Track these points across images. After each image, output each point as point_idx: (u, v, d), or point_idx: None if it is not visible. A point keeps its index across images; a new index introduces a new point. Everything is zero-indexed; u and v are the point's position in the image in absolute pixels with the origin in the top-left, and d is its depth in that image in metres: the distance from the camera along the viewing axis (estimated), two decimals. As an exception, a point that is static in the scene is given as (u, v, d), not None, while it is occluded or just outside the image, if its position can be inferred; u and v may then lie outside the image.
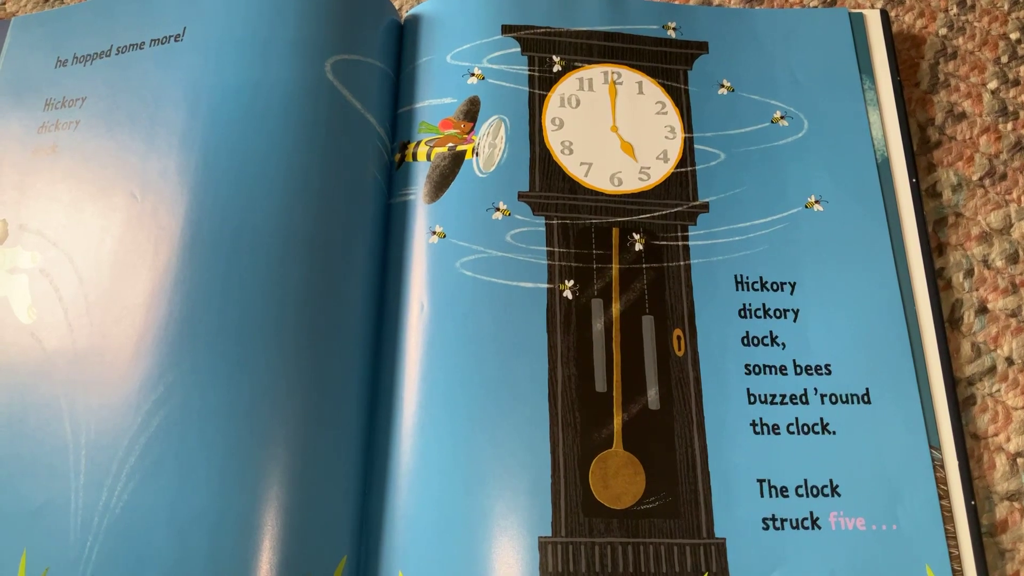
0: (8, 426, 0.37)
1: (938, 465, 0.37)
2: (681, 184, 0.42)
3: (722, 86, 0.44)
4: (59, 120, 0.43)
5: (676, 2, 0.48)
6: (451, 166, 0.41)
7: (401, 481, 0.36)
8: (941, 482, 0.37)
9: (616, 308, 0.39)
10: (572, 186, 0.41)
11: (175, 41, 0.43)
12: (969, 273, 0.41)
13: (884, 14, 0.46)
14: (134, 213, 0.40)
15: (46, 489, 0.36)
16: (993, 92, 0.45)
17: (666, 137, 0.42)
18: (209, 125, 0.40)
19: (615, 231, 0.40)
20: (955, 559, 0.35)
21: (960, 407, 0.39)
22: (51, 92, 0.44)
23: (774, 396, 0.38)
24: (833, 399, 0.38)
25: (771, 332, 0.39)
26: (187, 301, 0.37)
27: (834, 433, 0.37)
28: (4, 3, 0.52)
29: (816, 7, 0.48)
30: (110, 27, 0.45)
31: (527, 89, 0.43)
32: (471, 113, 0.42)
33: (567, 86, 0.43)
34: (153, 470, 0.35)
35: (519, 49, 0.43)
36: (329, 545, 0.35)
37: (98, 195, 0.41)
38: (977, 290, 0.41)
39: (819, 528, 0.36)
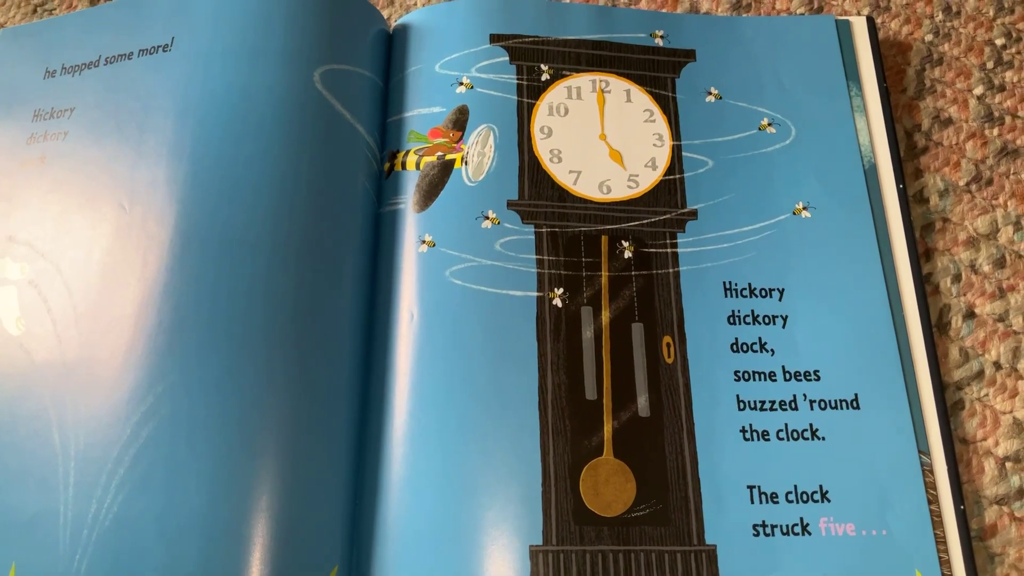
0: (-3, 438, 0.37)
1: (927, 470, 0.37)
2: (670, 191, 0.42)
3: (710, 94, 0.44)
4: (48, 131, 0.43)
5: (663, 10, 0.48)
6: (440, 175, 0.41)
7: (392, 490, 0.36)
8: (930, 487, 0.37)
9: (606, 316, 0.39)
10: (561, 194, 0.41)
11: (164, 51, 0.43)
12: (957, 278, 0.42)
13: (870, 21, 0.46)
14: (123, 223, 0.40)
15: (35, 501, 0.35)
16: (979, 98, 0.45)
17: (654, 145, 0.43)
18: (198, 135, 0.40)
19: (604, 239, 0.41)
20: (945, 564, 0.35)
21: (949, 412, 0.39)
22: (40, 103, 0.44)
23: (763, 402, 0.38)
24: (822, 405, 0.38)
25: (760, 338, 0.39)
26: (176, 311, 0.37)
27: (823, 439, 0.38)
28: (-8, 14, 0.52)
29: (803, 14, 0.48)
30: (98, 38, 0.45)
31: (515, 98, 0.43)
32: (460, 122, 0.42)
33: (555, 95, 0.43)
34: (142, 481, 0.35)
35: (507, 58, 0.43)
36: (320, 555, 0.35)
37: (87, 206, 0.41)
38: (965, 295, 0.41)
39: (809, 534, 0.36)
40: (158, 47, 0.43)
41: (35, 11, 0.52)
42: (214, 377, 0.36)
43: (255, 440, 0.35)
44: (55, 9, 0.52)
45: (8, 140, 0.44)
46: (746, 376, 0.39)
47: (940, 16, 0.48)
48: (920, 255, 0.42)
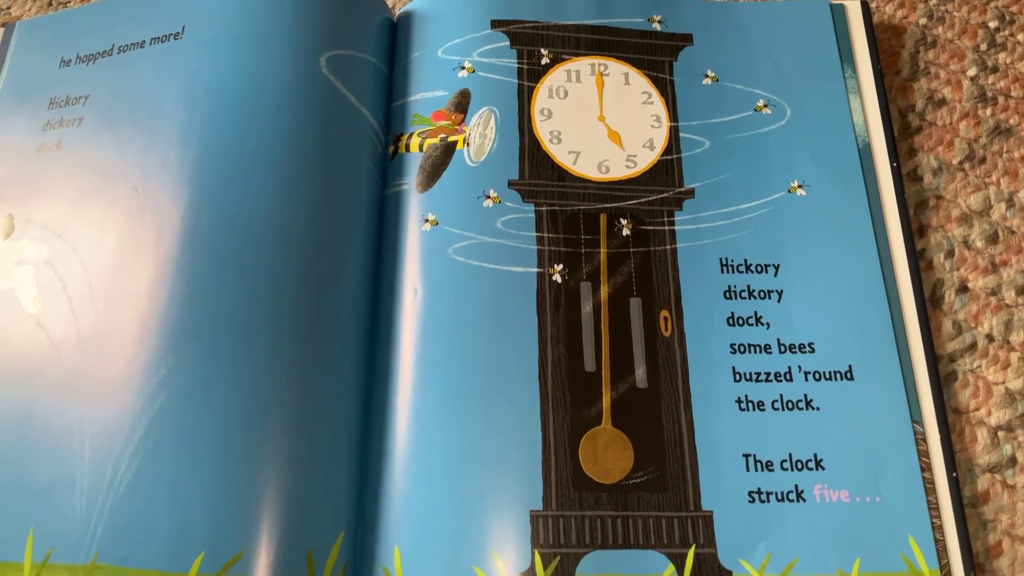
0: (15, 411, 0.38)
1: (920, 439, 0.38)
2: (667, 171, 0.43)
3: (707, 76, 0.45)
4: (63, 118, 0.45)
5: (662, -3, 0.49)
6: (443, 156, 0.42)
7: (397, 460, 0.37)
8: (923, 455, 0.37)
9: (604, 291, 0.40)
10: (561, 174, 0.42)
11: (175, 39, 0.44)
12: (950, 253, 0.42)
13: (865, 5, 0.47)
14: (136, 205, 0.41)
15: (52, 470, 0.37)
16: (972, 79, 0.46)
17: (652, 126, 0.44)
18: (208, 119, 0.42)
19: (603, 217, 0.42)
20: (937, 529, 0.36)
21: (942, 383, 0.40)
22: (55, 91, 0.46)
23: (759, 374, 0.39)
24: (817, 376, 0.39)
25: (755, 312, 0.40)
26: (188, 288, 0.38)
27: (818, 409, 0.38)
28: (9, 7, 0.54)
29: None
30: (111, 27, 0.46)
31: (516, 81, 0.44)
32: (462, 105, 0.43)
33: (555, 78, 0.44)
34: (156, 450, 0.36)
35: (508, 43, 0.44)
36: (327, 522, 0.36)
37: (101, 188, 0.42)
38: (958, 270, 0.42)
39: (804, 501, 0.37)
40: (169, 35, 0.44)
41: (50, 4, 0.54)
42: (225, 350, 0.37)
43: (264, 411, 0.36)
44: (69, 2, 0.54)
45: (25, 127, 0.45)
46: (742, 349, 0.39)
47: (934, 0, 0.48)
48: (914, 231, 0.43)
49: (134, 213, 0.41)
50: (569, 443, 0.37)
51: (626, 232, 0.41)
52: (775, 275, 0.41)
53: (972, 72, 0.46)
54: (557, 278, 0.40)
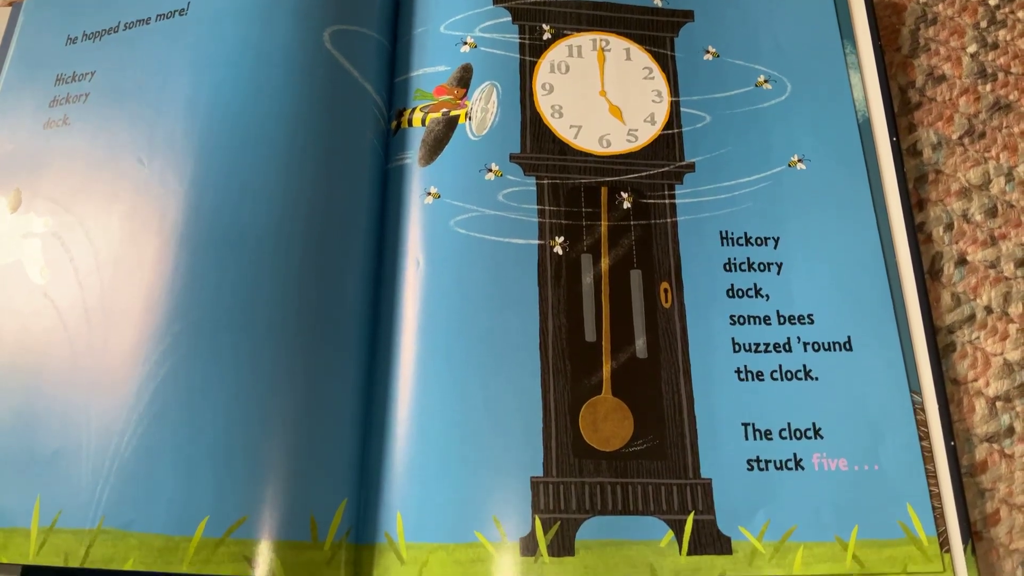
0: (23, 379, 0.39)
1: (918, 408, 0.38)
2: (668, 145, 0.43)
3: (707, 52, 0.45)
4: (70, 94, 0.45)
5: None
6: (445, 130, 0.43)
7: (400, 427, 0.37)
8: (921, 424, 0.38)
9: (605, 263, 0.40)
10: (562, 148, 0.42)
11: (180, 15, 0.45)
12: (949, 227, 0.43)
13: (865, -18, 0.47)
14: (142, 178, 0.41)
15: (59, 437, 0.37)
16: (972, 55, 0.46)
17: (653, 101, 0.44)
18: (213, 94, 0.42)
19: (604, 190, 0.42)
20: (935, 497, 0.36)
21: (940, 354, 0.40)
22: (62, 68, 0.46)
23: (758, 345, 0.39)
24: (816, 347, 0.39)
25: (755, 284, 0.40)
26: (193, 259, 0.39)
27: (816, 379, 0.39)
28: (16, -13, 0.54)
29: (800, -22, 0.49)
30: (117, 5, 0.46)
31: (518, 56, 0.44)
32: (464, 80, 0.43)
33: (557, 53, 0.44)
34: (160, 416, 0.36)
35: (510, 18, 0.45)
36: (330, 487, 0.36)
37: (108, 162, 0.42)
38: (957, 243, 0.42)
39: (802, 469, 0.37)
40: (175, 11, 0.45)
41: (57, -15, 0.54)
42: (228, 319, 0.38)
43: (268, 378, 0.37)
44: (76, -17, 0.54)
45: (32, 103, 0.45)
46: (741, 320, 0.40)
47: (935, -23, 0.49)
48: (913, 205, 0.43)
49: (140, 187, 0.41)
50: (570, 411, 0.38)
51: (627, 205, 0.42)
52: (775, 248, 0.41)
53: (972, 49, 0.47)
54: (558, 250, 0.40)
